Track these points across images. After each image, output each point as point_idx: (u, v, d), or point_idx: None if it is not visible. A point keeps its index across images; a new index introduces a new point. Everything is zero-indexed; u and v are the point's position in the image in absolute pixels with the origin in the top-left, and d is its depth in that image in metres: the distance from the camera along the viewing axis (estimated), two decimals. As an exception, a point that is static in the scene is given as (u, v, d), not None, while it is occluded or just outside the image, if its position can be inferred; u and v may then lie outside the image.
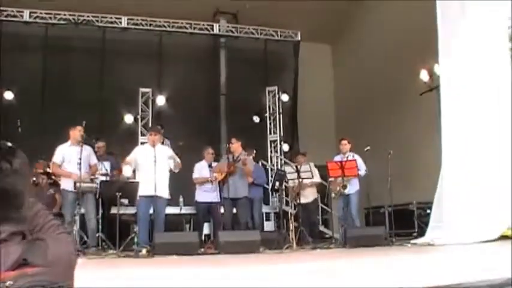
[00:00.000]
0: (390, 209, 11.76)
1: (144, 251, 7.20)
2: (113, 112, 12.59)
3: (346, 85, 15.91)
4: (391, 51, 12.98)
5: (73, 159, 7.99)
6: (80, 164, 7.70)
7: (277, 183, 9.35)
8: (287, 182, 9.68)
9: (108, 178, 8.88)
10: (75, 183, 7.89)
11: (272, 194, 10.83)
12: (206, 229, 10.24)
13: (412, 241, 8.73)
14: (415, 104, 11.72)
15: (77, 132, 8.14)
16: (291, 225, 8.53)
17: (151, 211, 8.04)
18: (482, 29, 8.11)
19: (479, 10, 8.19)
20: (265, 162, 12.43)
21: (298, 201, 9.33)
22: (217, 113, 14.05)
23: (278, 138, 13.27)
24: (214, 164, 9.49)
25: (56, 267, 1.62)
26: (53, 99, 12.32)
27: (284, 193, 10.41)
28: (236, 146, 9.11)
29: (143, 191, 7.73)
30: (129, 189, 7.77)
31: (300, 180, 9.14)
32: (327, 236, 10.95)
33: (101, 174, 8.69)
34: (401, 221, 11.33)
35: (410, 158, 12.01)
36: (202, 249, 7.97)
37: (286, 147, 13.09)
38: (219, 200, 9.21)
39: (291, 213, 9.44)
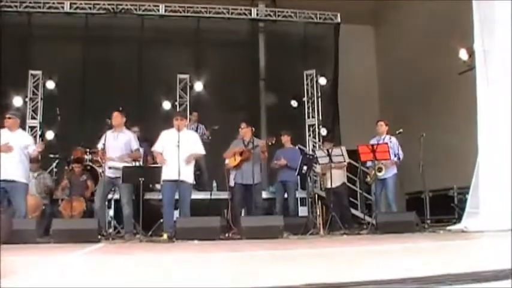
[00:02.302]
0: (431, 194, 11.43)
1: (165, 236, 7.21)
2: (151, 99, 12.72)
3: (389, 67, 15.43)
4: (434, 31, 12.44)
5: (111, 144, 8.09)
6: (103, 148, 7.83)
7: (304, 168, 9.13)
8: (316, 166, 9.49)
9: (139, 164, 8.96)
10: (110, 167, 8.01)
11: (301, 179, 10.59)
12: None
13: (448, 227, 8.41)
14: (457, 84, 11.21)
15: (114, 119, 8.24)
16: (318, 210, 8.33)
17: (177, 196, 8.03)
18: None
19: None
20: (302, 147, 12.24)
21: (325, 185, 9.14)
22: (257, 98, 13.96)
23: (316, 123, 13.04)
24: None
25: None
26: (93, 87, 12.63)
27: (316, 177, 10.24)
28: (246, 130, 8.99)
29: (167, 175, 7.73)
30: (151, 174, 7.80)
31: (324, 163, 8.96)
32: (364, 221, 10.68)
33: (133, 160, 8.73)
34: (442, 207, 10.99)
35: (453, 141, 11.53)
36: (227, 234, 7.93)
37: (324, 131, 12.82)
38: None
39: (317, 198, 9.20)
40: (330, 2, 13.66)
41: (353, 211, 11.28)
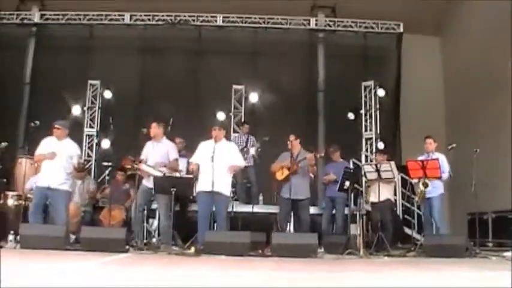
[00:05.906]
0: (494, 215, 10.60)
1: (192, 249, 7.03)
2: (206, 109, 12.58)
3: (457, 78, 14.37)
4: (502, 36, 11.45)
5: (151, 155, 8.23)
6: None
7: (347, 183, 8.65)
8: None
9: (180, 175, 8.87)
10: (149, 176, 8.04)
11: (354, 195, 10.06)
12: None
13: (504, 253, 7.66)
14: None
15: (152, 129, 8.30)
16: (358, 228, 7.86)
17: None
18: None
19: None
20: (357, 162, 11.74)
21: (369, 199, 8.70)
22: (315, 110, 13.55)
23: (373, 136, 12.50)
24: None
25: None
26: (149, 97, 12.79)
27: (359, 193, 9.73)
28: (295, 143, 8.65)
29: (202, 186, 7.61)
30: (183, 184, 7.64)
31: (372, 179, 8.50)
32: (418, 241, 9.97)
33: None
34: (506, 230, 10.10)
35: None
36: (261, 251, 7.61)
37: (381, 145, 12.18)
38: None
39: (359, 215, 8.68)
40: (392, 11, 13.11)
41: (406, 230, 10.66)
